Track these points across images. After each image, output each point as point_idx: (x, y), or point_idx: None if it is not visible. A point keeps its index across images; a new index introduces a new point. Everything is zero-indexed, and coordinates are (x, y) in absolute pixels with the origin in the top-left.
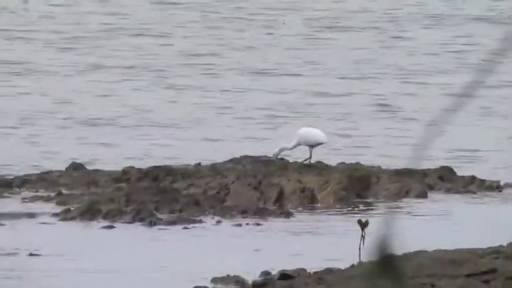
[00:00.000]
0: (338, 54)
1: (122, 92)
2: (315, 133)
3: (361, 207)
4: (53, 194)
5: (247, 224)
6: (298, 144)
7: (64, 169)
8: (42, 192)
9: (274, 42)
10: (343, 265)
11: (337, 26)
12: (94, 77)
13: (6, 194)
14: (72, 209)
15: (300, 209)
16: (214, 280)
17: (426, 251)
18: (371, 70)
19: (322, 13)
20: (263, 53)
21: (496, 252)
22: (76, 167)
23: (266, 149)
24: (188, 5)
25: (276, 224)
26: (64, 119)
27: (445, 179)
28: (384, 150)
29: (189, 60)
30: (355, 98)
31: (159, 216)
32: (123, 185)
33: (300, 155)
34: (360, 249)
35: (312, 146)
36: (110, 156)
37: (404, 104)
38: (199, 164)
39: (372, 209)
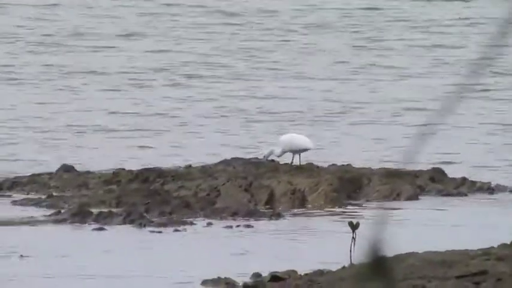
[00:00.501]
0: (313, 56)
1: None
2: (299, 139)
3: (352, 208)
4: (43, 197)
5: (237, 225)
6: (284, 151)
7: (54, 171)
8: (33, 195)
9: (248, 45)
10: (334, 267)
11: (312, 28)
12: (69, 82)
13: None
14: (62, 211)
15: (291, 210)
16: (205, 282)
17: (417, 253)
18: (346, 72)
19: (295, 13)
20: (235, 56)
21: (486, 253)
22: (67, 169)
23: (251, 152)
24: (156, 10)
25: (266, 225)
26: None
27: (436, 181)
28: (364, 152)
29: (163, 63)
30: (330, 100)
31: (150, 218)
32: (114, 187)
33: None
34: (351, 251)
35: (296, 152)
36: (98, 160)
37: (379, 105)
38: (190, 166)
39: (363, 211)
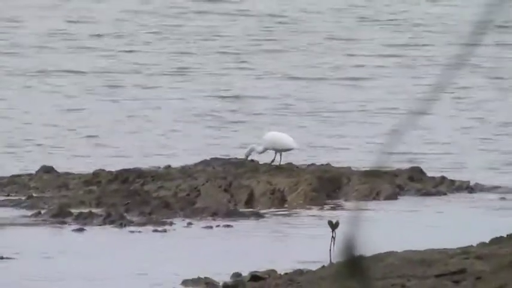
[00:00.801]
0: (278, 56)
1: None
2: (281, 137)
3: (332, 208)
4: (23, 198)
5: (217, 225)
6: (266, 148)
7: (34, 172)
8: (13, 196)
9: (214, 45)
10: (313, 266)
11: (283, 27)
12: (42, 82)
13: None
14: (43, 212)
15: (271, 210)
16: (185, 282)
17: (396, 252)
18: (318, 72)
19: (267, 10)
20: (207, 56)
21: (466, 252)
22: (47, 170)
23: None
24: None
25: (246, 225)
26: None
27: (415, 180)
28: (338, 152)
29: (135, 64)
30: (300, 100)
31: (130, 218)
32: (94, 187)
33: (271, 158)
34: (330, 250)
35: (278, 150)
36: (75, 161)
37: (350, 106)
38: (169, 166)
39: (342, 210)
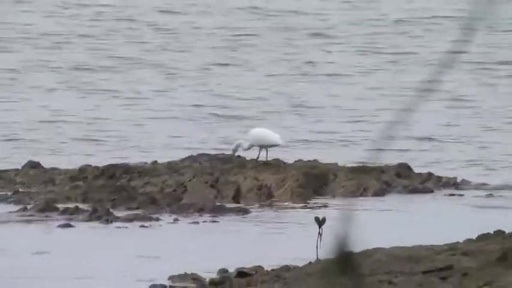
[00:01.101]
0: (265, 53)
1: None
2: (266, 134)
3: (318, 204)
4: (9, 193)
5: (204, 221)
6: (252, 145)
7: (21, 167)
8: None
9: (197, 40)
10: (300, 262)
11: (265, 24)
12: (24, 79)
13: None
14: (29, 207)
15: (257, 206)
16: (172, 278)
17: (384, 248)
18: (289, 69)
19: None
20: (187, 54)
21: (452, 248)
22: (33, 165)
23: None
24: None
25: (233, 221)
26: None
27: (402, 176)
28: (324, 150)
29: (113, 62)
30: (275, 97)
31: (116, 214)
32: (80, 183)
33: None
34: (317, 246)
35: (264, 146)
36: (61, 157)
37: (328, 102)
38: (156, 162)
39: (329, 206)
